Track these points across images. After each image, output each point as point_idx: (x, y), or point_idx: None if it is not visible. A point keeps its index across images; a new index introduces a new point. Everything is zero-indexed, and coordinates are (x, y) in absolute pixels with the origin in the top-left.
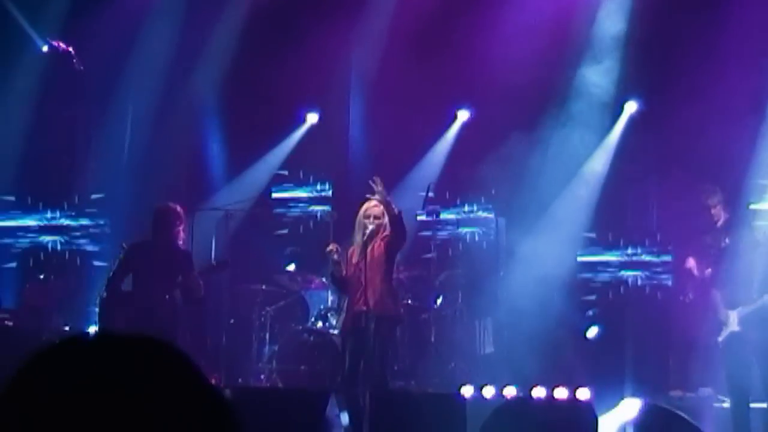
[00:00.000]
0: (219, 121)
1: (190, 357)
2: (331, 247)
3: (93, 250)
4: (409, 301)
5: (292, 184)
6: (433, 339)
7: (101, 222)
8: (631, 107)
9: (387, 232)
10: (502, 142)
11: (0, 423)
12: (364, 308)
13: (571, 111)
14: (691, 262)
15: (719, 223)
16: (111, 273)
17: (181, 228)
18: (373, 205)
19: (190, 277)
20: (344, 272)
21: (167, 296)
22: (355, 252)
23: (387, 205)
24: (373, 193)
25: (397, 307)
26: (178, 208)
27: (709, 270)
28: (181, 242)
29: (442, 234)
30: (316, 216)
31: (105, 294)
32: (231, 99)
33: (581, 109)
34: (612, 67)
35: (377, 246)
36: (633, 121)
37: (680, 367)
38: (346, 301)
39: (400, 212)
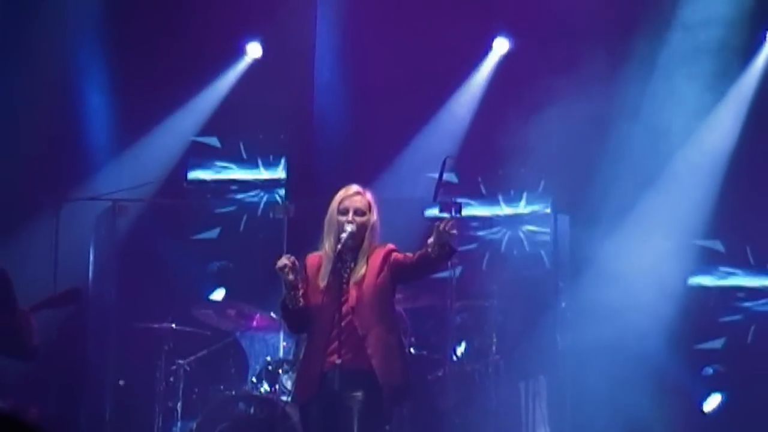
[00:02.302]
0: (101, 59)
1: None
2: (284, 261)
3: None
4: (412, 351)
5: (223, 161)
6: (450, 412)
7: None
8: None
9: (394, 253)
10: (564, 92)
11: None
12: (338, 361)
13: (675, 41)
14: None
15: None
16: None
17: None
18: (352, 193)
19: (13, 314)
20: (301, 301)
21: None
22: (321, 265)
23: (445, 248)
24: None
25: (407, 372)
26: None
27: None
28: None
29: (467, 241)
30: (262, 211)
31: None
32: (121, 22)
33: (692, 37)
34: None
35: (376, 272)
36: None
37: None
38: (304, 349)
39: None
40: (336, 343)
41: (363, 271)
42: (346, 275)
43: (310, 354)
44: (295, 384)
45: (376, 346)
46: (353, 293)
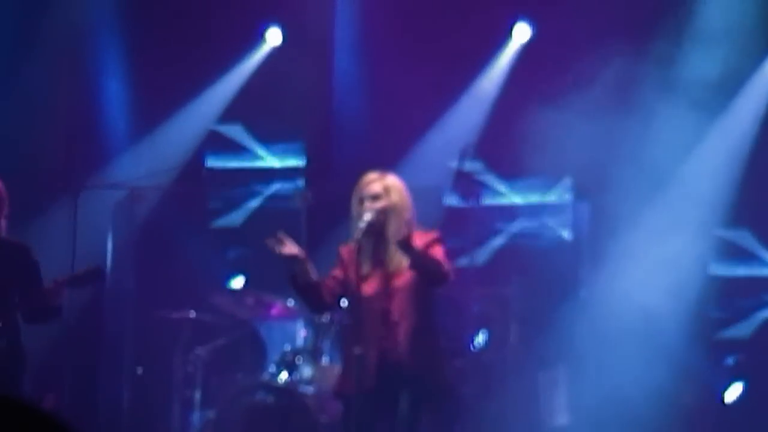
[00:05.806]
0: (119, 45)
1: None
2: (276, 241)
3: None
4: None
5: (241, 148)
6: (469, 401)
7: None
8: None
9: (435, 245)
10: (585, 80)
11: None
12: (372, 354)
13: (703, 25)
14: None
15: None
16: None
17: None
18: (368, 181)
19: (37, 290)
20: (311, 273)
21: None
22: (357, 254)
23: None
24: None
25: (445, 373)
26: None
27: None
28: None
29: (486, 229)
30: (281, 198)
31: None
32: (140, 8)
33: (722, 20)
34: None
35: (403, 274)
36: None
37: None
38: (351, 340)
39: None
40: (371, 336)
41: (403, 259)
42: (382, 262)
43: (348, 346)
44: (338, 375)
45: (409, 340)
46: (390, 283)
